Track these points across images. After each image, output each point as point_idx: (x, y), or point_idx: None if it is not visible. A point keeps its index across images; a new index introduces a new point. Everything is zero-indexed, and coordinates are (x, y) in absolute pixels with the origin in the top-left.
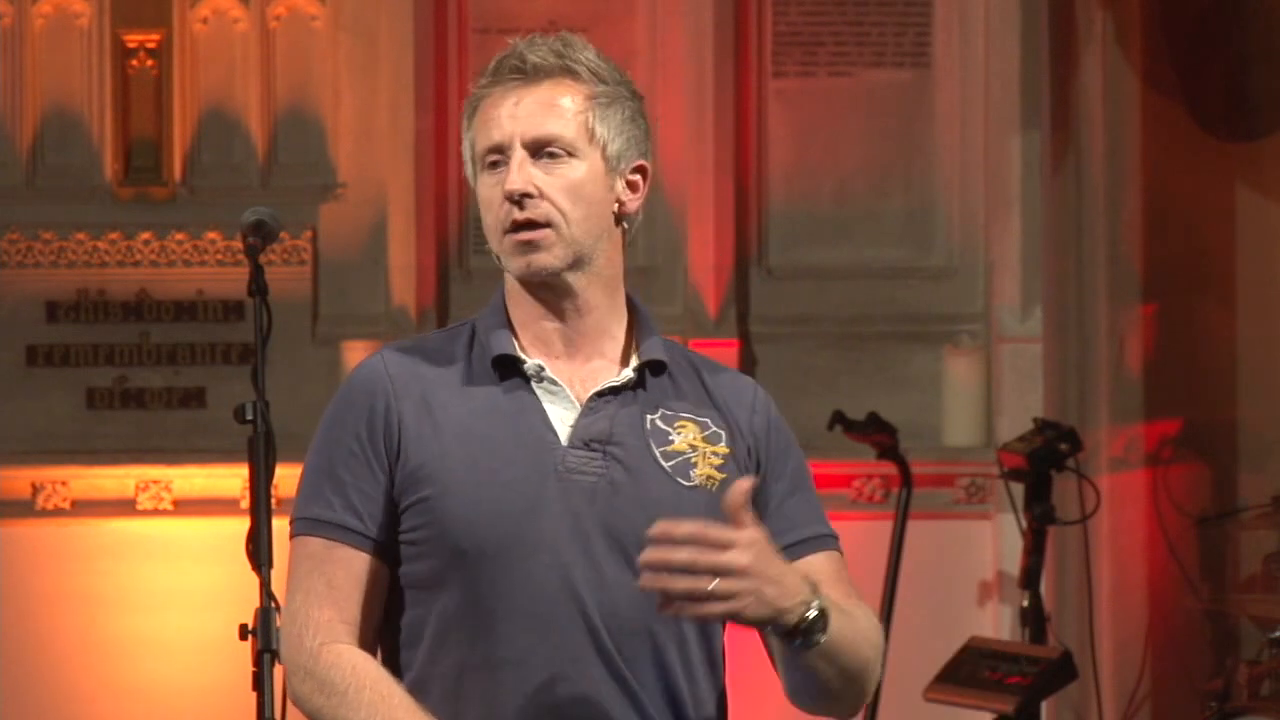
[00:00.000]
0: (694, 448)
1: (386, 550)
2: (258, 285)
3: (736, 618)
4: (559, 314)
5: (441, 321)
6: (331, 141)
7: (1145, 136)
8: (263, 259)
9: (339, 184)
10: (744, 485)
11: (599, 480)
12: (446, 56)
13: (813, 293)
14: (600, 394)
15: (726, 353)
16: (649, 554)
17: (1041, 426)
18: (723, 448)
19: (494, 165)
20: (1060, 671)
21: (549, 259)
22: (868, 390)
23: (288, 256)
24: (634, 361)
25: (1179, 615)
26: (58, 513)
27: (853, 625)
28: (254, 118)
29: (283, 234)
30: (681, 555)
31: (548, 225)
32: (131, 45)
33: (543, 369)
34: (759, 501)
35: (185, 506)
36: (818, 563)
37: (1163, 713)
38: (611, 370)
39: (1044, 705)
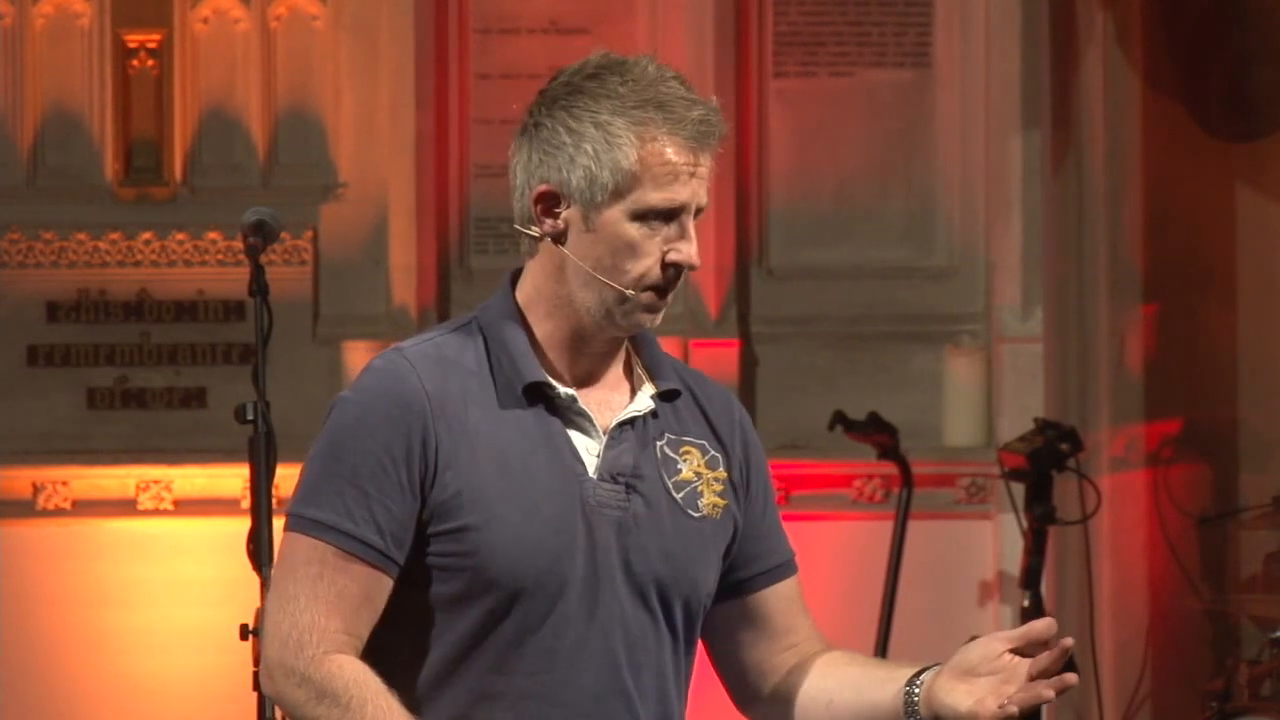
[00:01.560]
0: (699, 475)
1: (404, 572)
2: (258, 285)
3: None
4: (600, 348)
5: (442, 321)
6: (332, 141)
7: (1145, 136)
8: (263, 259)
9: (340, 184)
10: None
11: (623, 515)
12: (447, 56)
13: (813, 293)
14: (621, 424)
15: (727, 353)
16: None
17: (1042, 426)
18: (721, 472)
19: (658, 213)
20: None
21: (657, 320)
22: (868, 390)
23: (288, 256)
24: (640, 379)
25: (1180, 615)
26: (58, 513)
27: None
28: (254, 118)
29: (283, 234)
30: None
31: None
32: (132, 45)
33: (575, 400)
34: (744, 524)
35: (186, 506)
36: (788, 590)
37: (1163, 713)
38: (620, 389)
39: (1044, 705)
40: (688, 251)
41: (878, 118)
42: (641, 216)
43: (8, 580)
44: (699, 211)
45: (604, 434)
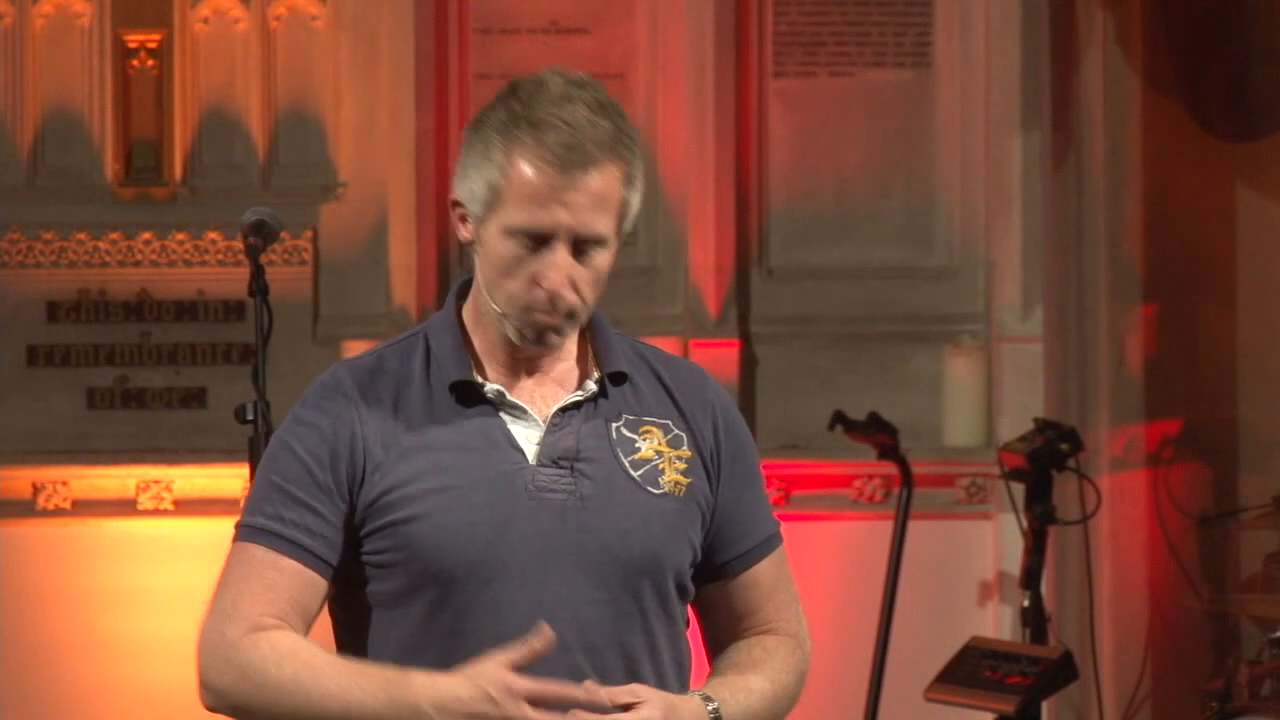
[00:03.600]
0: (660, 453)
1: (334, 574)
2: (258, 285)
3: None
4: (526, 351)
5: None
6: (332, 141)
7: (1145, 136)
8: (263, 259)
9: (339, 184)
10: (592, 694)
11: (569, 497)
12: (447, 56)
13: (813, 293)
14: (564, 409)
15: (727, 353)
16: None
17: (1042, 426)
18: (686, 451)
19: (524, 235)
20: (1061, 671)
21: (558, 340)
22: (868, 390)
23: (288, 256)
24: (591, 369)
25: (1179, 615)
26: (58, 513)
27: (759, 703)
28: (254, 118)
29: (283, 234)
30: None
31: (569, 315)
32: (132, 45)
33: (503, 394)
34: (720, 506)
35: (186, 506)
36: (761, 572)
37: (1163, 713)
38: (571, 379)
39: (1044, 705)
40: (552, 279)
41: (878, 118)
42: (511, 234)
43: (8, 580)
44: (593, 242)
45: (544, 423)
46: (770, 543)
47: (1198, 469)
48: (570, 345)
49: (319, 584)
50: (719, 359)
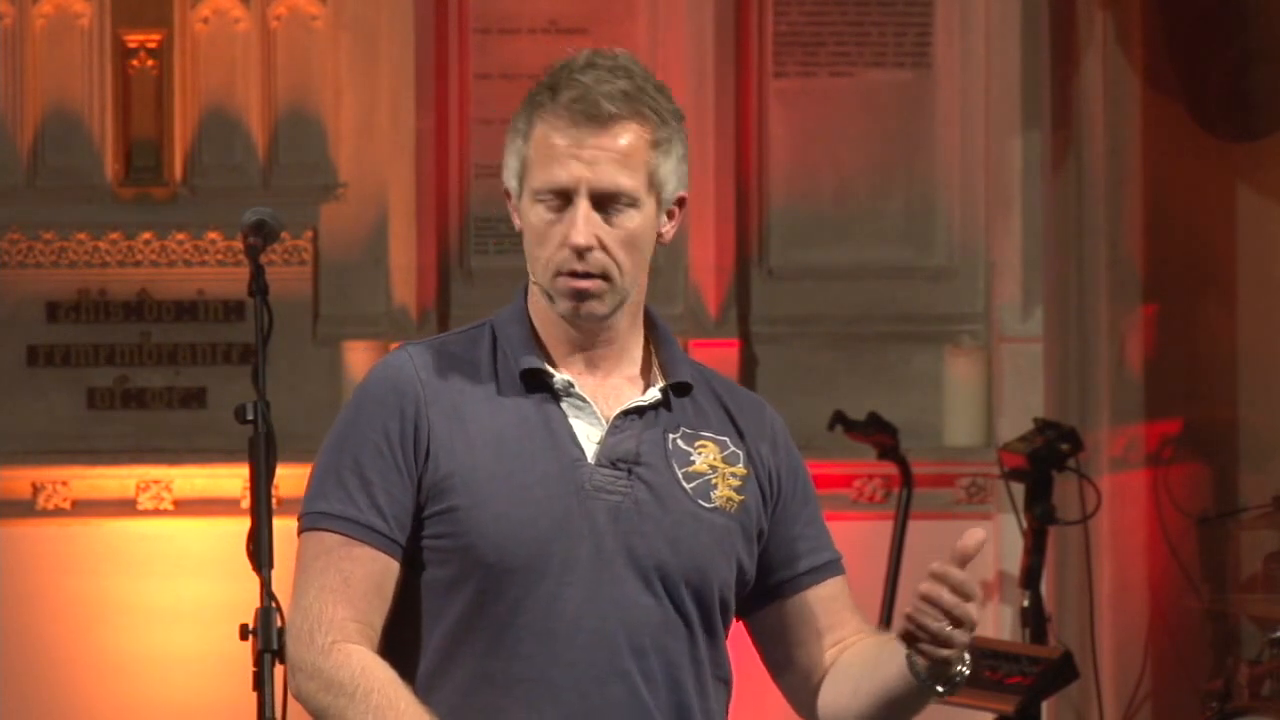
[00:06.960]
0: (714, 468)
1: (405, 555)
2: (258, 285)
3: (938, 662)
4: (588, 342)
5: (442, 321)
6: (332, 141)
7: (1145, 136)
8: (263, 259)
9: (339, 184)
10: (978, 536)
11: (624, 500)
12: (447, 56)
13: (813, 293)
14: (626, 413)
15: (727, 353)
16: (927, 587)
17: (1042, 426)
18: (741, 469)
19: (548, 196)
20: (1061, 671)
21: (599, 307)
22: (868, 390)
23: (288, 256)
24: (656, 378)
25: (1179, 615)
26: (58, 513)
27: None
28: (254, 118)
29: (283, 234)
30: (948, 598)
31: (603, 277)
32: (132, 45)
33: (571, 385)
34: (778, 524)
35: (186, 507)
36: (836, 588)
37: (1163, 713)
38: (633, 386)
39: (1044, 705)
40: (575, 235)
41: (878, 118)
42: (540, 200)
43: (8, 580)
44: (617, 200)
45: (606, 423)
46: (838, 565)
47: (1198, 469)
48: (635, 350)
49: (395, 569)
50: (719, 359)
